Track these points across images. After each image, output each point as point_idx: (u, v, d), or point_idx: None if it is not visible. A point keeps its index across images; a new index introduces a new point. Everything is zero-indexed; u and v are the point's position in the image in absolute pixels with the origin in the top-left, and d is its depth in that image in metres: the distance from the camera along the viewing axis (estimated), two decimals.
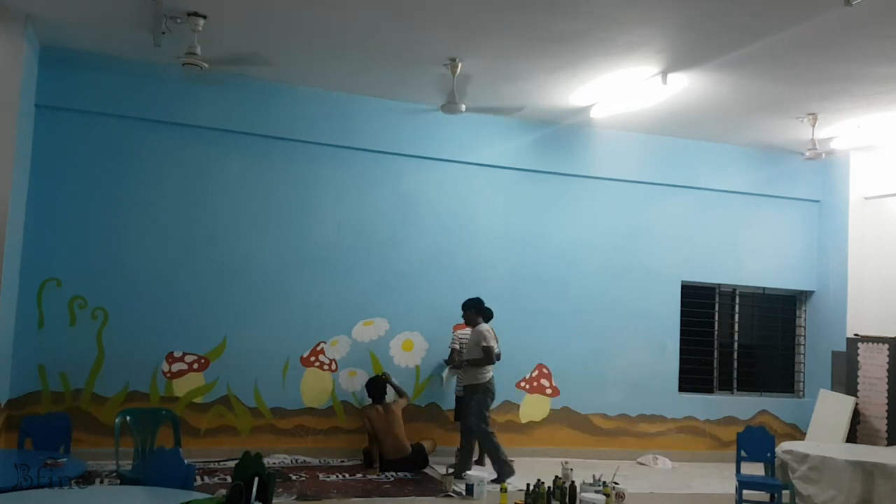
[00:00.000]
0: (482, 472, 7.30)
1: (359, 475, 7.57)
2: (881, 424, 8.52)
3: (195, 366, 7.96)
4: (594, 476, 6.88)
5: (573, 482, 6.73)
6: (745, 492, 6.79)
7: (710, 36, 6.33)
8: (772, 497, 6.76)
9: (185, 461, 4.37)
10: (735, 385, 10.01)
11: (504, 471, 7.36)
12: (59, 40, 7.32)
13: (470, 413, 7.54)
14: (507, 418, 8.90)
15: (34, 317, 7.46)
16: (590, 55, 6.87)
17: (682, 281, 9.72)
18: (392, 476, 7.63)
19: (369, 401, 8.17)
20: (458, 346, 8.18)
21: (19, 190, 7.05)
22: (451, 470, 7.42)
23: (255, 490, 3.58)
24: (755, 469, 7.35)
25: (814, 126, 8.43)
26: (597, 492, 6.59)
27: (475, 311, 7.78)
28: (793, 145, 9.37)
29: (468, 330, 7.97)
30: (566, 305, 9.19)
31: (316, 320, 8.35)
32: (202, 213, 8.06)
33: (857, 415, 8.69)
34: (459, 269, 8.85)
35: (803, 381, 10.19)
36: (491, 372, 7.63)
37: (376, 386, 8.13)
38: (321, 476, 7.40)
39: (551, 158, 9.22)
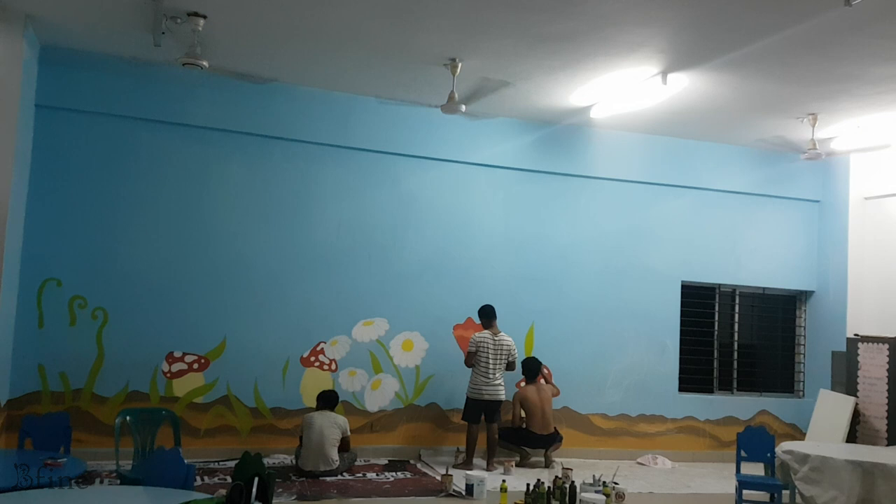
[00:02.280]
0: (482, 473, 7.30)
1: (359, 475, 7.57)
2: (881, 424, 8.52)
3: (195, 366, 7.96)
4: (594, 476, 6.89)
5: (573, 482, 6.73)
6: (745, 492, 6.79)
7: (710, 36, 6.33)
8: (772, 497, 6.76)
9: (185, 461, 4.37)
10: (735, 385, 10.01)
11: None
12: (59, 40, 7.32)
13: None
14: (506, 418, 8.89)
15: (34, 317, 7.46)
16: (590, 55, 6.87)
17: (682, 281, 9.72)
18: (392, 476, 7.64)
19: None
20: (473, 350, 8.20)
21: (19, 190, 7.05)
22: (450, 470, 7.44)
23: (255, 490, 3.57)
24: (755, 469, 7.36)
25: (814, 126, 8.43)
26: (597, 492, 6.59)
27: None
28: (793, 145, 9.37)
29: (487, 333, 8.26)
30: (566, 305, 9.19)
31: (316, 320, 8.35)
32: (202, 213, 8.06)
33: (857, 415, 8.69)
34: (459, 270, 8.85)
35: (803, 381, 10.19)
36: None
37: (532, 366, 8.64)
38: (321, 476, 7.40)
39: (551, 158, 9.22)
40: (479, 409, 8.16)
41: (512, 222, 9.11)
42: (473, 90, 7.62)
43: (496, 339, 8.21)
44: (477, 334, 8.26)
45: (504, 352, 8.22)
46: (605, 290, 9.36)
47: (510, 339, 8.31)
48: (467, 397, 8.23)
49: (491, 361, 8.14)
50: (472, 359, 8.18)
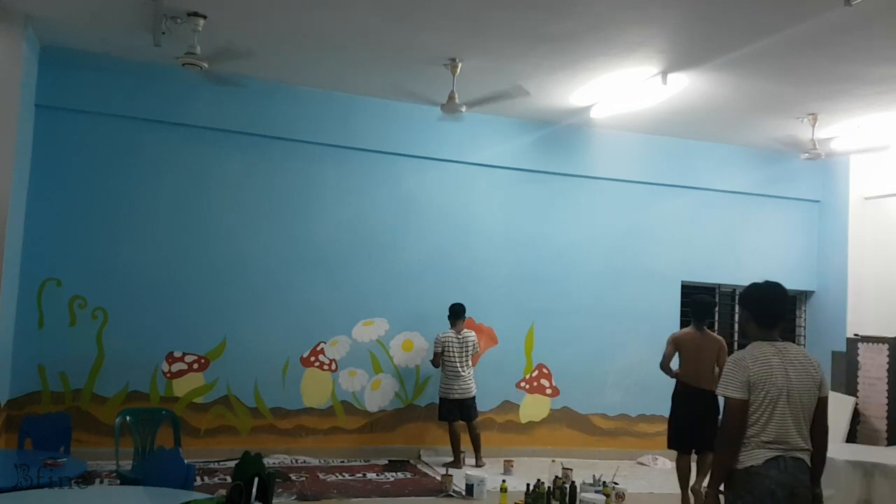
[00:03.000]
0: (482, 473, 7.30)
1: (359, 475, 7.57)
2: (881, 424, 8.52)
3: (195, 366, 7.96)
4: (594, 476, 6.88)
5: (573, 482, 6.73)
6: None
7: (710, 36, 6.33)
8: None
9: (185, 461, 4.37)
10: None
11: None
12: (59, 40, 7.31)
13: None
14: (507, 418, 8.90)
15: (34, 317, 7.46)
16: (590, 55, 6.87)
17: (682, 281, 9.72)
18: (392, 476, 7.64)
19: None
20: (439, 350, 8.20)
21: (19, 190, 7.05)
22: (450, 471, 7.44)
23: (255, 490, 3.57)
24: None
25: (814, 126, 8.43)
26: (597, 492, 6.59)
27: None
28: (793, 145, 9.37)
29: (450, 332, 8.25)
30: (566, 305, 9.18)
31: (316, 320, 8.35)
32: (202, 213, 8.06)
33: (857, 415, 8.68)
34: (459, 270, 8.85)
35: None
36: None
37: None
38: (321, 476, 7.40)
39: (551, 158, 9.22)
40: (454, 408, 8.17)
41: (512, 222, 9.10)
42: (483, 94, 7.63)
43: (460, 336, 8.24)
44: (441, 334, 8.24)
45: (468, 347, 8.25)
46: (605, 290, 9.35)
47: (473, 333, 8.35)
48: (440, 397, 8.24)
49: (457, 359, 8.17)
50: (438, 359, 8.21)
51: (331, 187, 8.49)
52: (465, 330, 8.32)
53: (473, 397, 8.26)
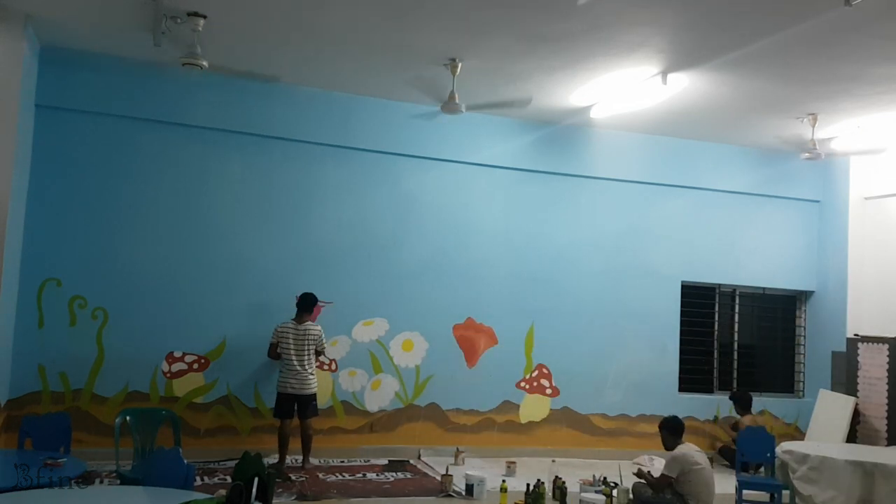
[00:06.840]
0: (482, 472, 7.30)
1: (359, 475, 7.57)
2: (881, 424, 8.52)
3: (195, 366, 7.96)
4: (594, 476, 6.89)
5: (563, 482, 6.72)
6: (745, 492, 6.80)
7: (710, 36, 6.33)
8: (772, 497, 6.77)
9: (185, 461, 4.37)
10: (735, 385, 10.00)
11: None
12: (59, 40, 7.32)
13: None
14: (507, 418, 8.90)
15: (34, 317, 7.46)
16: (590, 55, 6.87)
17: (682, 281, 9.72)
18: (392, 476, 7.64)
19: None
20: (274, 341, 7.63)
21: (19, 190, 7.05)
22: (450, 470, 7.44)
23: (255, 490, 3.58)
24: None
25: (814, 126, 8.43)
26: (597, 492, 6.60)
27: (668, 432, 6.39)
28: (793, 145, 9.37)
29: (289, 323, 7.67)
30: (566, 305, 9.18)
31: (316, 320, 8.34)
32: (202, 213, 8.06)
33: (857, 415, 8.69)
34: (459, 270, 8.85)
35: (803, 381, 10.19)
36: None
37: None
38: (321, 476, 7.40)
39: (551, 158, 9.22)
40: (289, 404, 7.61)
41: (512, 222, 9.10)
42: (488, 100, 7.61)
43: (299, 328, 7.65)
44: (279, 325, 7.70)
45: (311, 340, 7.66)
46: (605, 290, 9.35)
47: (318, 327, 7.79)
48: (277, 392, 7.69)
49: (294, 352, 7.60)
50: (273, 350, 7.67)
51: (331, 187, 8.49)
52: (309, 323, 7.75)
53: (311, 395, 7.65)
